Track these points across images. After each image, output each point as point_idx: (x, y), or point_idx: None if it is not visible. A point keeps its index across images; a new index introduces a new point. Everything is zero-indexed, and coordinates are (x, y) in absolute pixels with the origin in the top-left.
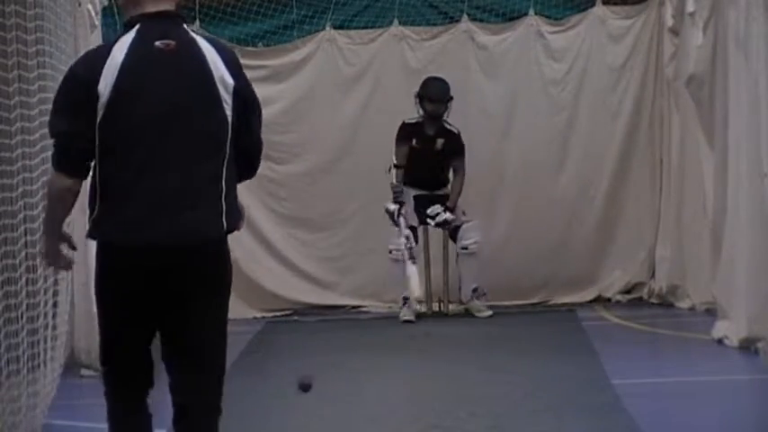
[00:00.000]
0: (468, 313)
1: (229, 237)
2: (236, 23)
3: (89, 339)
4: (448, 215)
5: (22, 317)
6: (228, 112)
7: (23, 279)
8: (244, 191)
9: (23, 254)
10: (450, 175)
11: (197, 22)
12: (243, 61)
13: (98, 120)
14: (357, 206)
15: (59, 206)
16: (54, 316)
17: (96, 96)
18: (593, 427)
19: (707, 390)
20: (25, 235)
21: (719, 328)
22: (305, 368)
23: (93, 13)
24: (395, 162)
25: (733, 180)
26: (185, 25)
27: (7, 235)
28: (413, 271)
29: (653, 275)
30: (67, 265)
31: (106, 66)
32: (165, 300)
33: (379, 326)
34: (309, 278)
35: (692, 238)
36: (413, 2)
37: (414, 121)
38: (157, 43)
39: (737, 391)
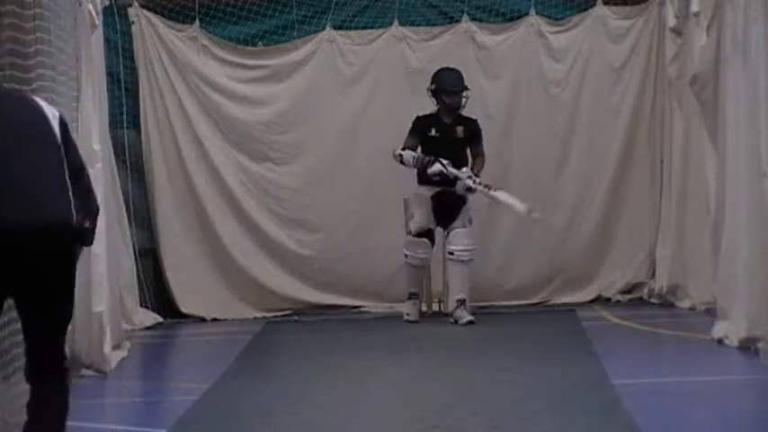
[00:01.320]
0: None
1: (229, 237)
2: (236, 23)
3: (89, 339)
4: (472, 182)
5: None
6: (58, 139)
7: None
8: (243, 190)
9: None
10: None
11: (197, 22)
12: (244, 61)
13: None
14: (357, 206)
15: None
16: None
17: None
18: (593, 427)
19: (707, 390)
20: None
21: (719, 328)
22: (305, 368)
23: (94, 13)
24: (401, 148)
25: (733, 180)
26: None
27: None
28: (504, 195)
29: (653, 275)
30: None
31: None
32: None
33: (379, 326)
34: (309, 278)
35: (692, 238)
36: (413, 2)
37: (426, 113)
38: None
39: (737, 391)
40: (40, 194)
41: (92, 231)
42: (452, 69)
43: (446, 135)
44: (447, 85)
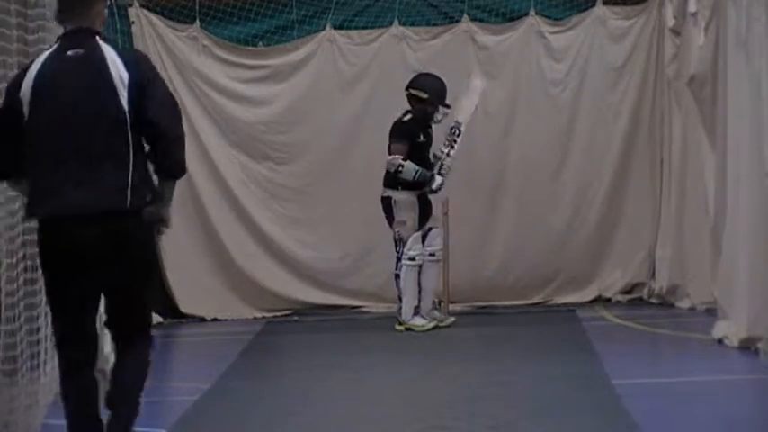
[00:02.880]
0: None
1: (229, 236)
2: (236, 23)
3: None
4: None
5: (19, 316)
6: (124, 103)
7: (20, 279)
8: (244, 190)
9: (21, 253)
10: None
11: (197, 22)
12: (244, 61)
13: (25, 118)
14: (357, 206)
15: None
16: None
17: (19, 100)
18: (593, 427)
19: (707, 390)
20: (23, 234)
21: (719, 328)
22: (305, 368)
23: None
24: (402, 159)
25: (733, 180)
26: (97, 36)
27: (6, 235)
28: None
29: (653, 275)
30: None
31: (27, 74)
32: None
33: (379, 326)
34: (309, 278)
35: (692, 238)
36: (413, 2)
37: (408, 118)
38: (69, 52)
39: (737, 391)
40: (82, 182)
41: (158, 202)
42: (440, 79)
43: (427, 139)
44: (437, 98)
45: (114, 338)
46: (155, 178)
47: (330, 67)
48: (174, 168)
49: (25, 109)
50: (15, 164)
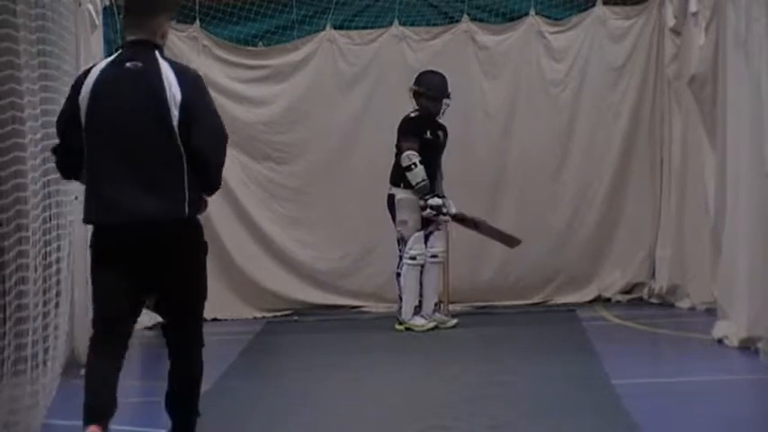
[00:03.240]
0: (436, 328)
1: (229, 237)
2: (236, 23)
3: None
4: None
5: (10, 318)
6: (174, 123)
7: (14, 279)
8: (244, 189)
9: (13, 253)
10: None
11: (197, 23)
12: (244, 61)
13: (83, 124)
14: (357, 206)
15: None
16: (54, 316)
17: (78, 105)
18: (593, 427)
19: (707, 390)
20: (18, 231)
21: (719, 328)
22: (305, 368)
23: (94, 13)
24: (419, 158)
25: (733, 180)
26: (157, 51)
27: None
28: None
29: (653, 275)
30: None
31: (86, 80)
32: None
33: (379, 326)
34: (309, 278)
35: (692, 238)
36: (413, 2)
37: (416, 114)
38: (128, 64)
39: (737, 391)
40: (140, 191)
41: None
42: (439, 74)
43: (436, 139)
44: (433, 91)
45: (169, 343)
46: None
47: (330, 67)
48: (208, 189)
49: (82, 113)
50: (82, 165)
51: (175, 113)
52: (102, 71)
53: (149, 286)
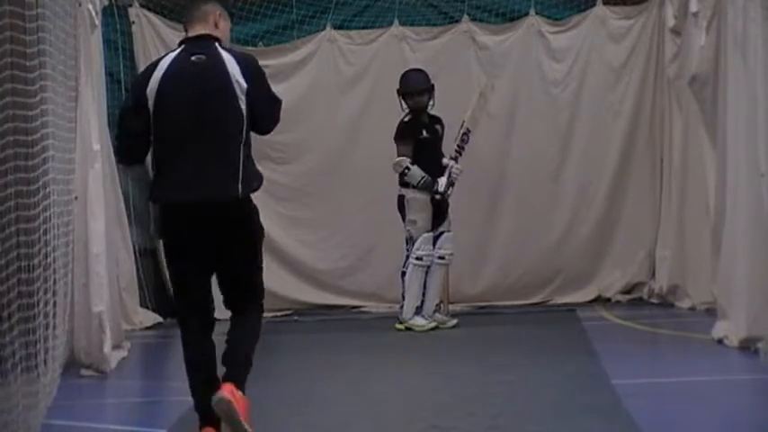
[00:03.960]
0: (436, 328)
1: None
2: (236, 23)
3: (89, 339)
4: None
5: (12, 316)
6: (243, 108)
7: (15, 278)
8: None
9: (16, 253)
10: None
11: None
12: None
13: (151, 115)
14: (357, 206)
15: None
16: (54, 316)
17: (146, 97)
18: (593, 427)
19: (707, 390)
20: (17, 235)
21: (719, 328)
22: (305, 368)
23: (94, 13)
24: (410, 161)
25: (732, 180)
26: (217, 43)
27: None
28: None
29: (653, 275)
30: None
31: (153, 75)
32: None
33: (379, 326)
34: (309, 278)
35: (692, 238)
36: (413, 2)
37: (408, 118)
38: (192, 57)
39: (737, 391)
40: (202, 174)
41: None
42: (417, 70)
43: (433, 135)
44: (411, 87)
45: (230, 308)
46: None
47: (330, 67)
48: (264, 130)
49: (150, 105)
50: (146, 152)
51: (243, 98)
52: (169, 66)
53: (213, 258)
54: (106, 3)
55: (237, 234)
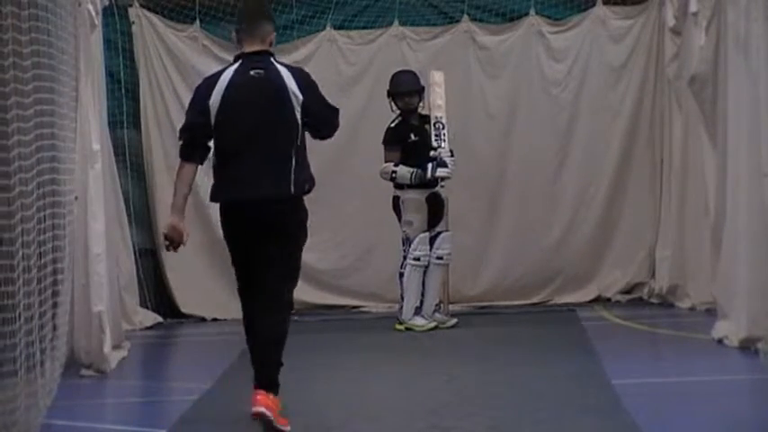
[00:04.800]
0: (436, 328)
1: None
2: (236, 23)
3: (89, 339)
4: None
5: (19, 317)
6: (298, 118)
7: (21, 279)
8: None
9: (21, 254)
10: None
11: (197, 22)
12: None
13: (212, 123)
14: (357, 206)
15: (184, 186)
16: (54, 316)
17: (209, 106)
18: (593, 427)
19: (707, 390)
20: (22, 235)
21: (719, 328)
22: (305, 368)
23: (94, 13)
24: (394, 164)
25: (733, 180)
26: (272, 58)
27: (3, 236)
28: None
29: (653, 275)
30: (181, 238)
31: (216, 87)
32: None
33: (379, 326)
34: (309, 278)
35: (692, 238)
36: (413, 2)
37: (397, 122)
38: (252, 72)
39: (737, 391)
40: (259, 175)
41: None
42: (407, 71)
43: (422, 137)
44: (402, 87)
45: (265, 295)
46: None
47: (330, 67)
48: (324, 136)
49: (212, 113)
50: (203, 155)
51: (298, 109)
52: (231, 79)
53: (263, 247)
54: (106, 3)
55: (282, 231)
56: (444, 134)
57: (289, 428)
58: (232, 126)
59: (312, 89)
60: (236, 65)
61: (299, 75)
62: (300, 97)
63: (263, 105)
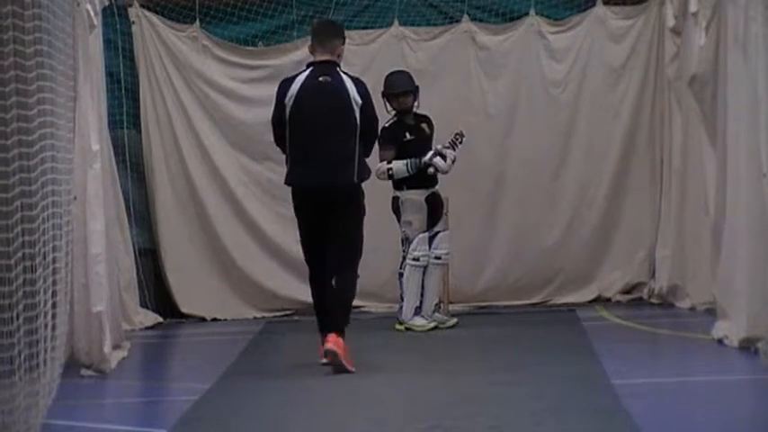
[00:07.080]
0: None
1: (229, 237)
2: (236, 23)
3: (89, 339)
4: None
5: (18, 317)
6: (357, 118)
7: (20, 279)
8: (244, 190)
9: (20, 254)
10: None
11: (197, 22)
12: (244, 61)
13: (287, 119)
14: None
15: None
16: (54, 316)
17: (284, 105)
18: (593, 427)
19: (707, 390)
20: (22, 235)
21: (719, 328)
22: (305, 368)
23: (93, 14)
24: (387, 163)
25: (733, 180)
26: (338, 68)
27: (3, 236)
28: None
29: (653, 275)
30: None
31: (290, 88)
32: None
33: (379, 326)
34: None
35: (692, 238)
36: (413, 2)
37: (390, 123)
38: (320, 78)
39: (737, 391)
40: (328, 165)
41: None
42: (400, 72)
43: (418, 135)
44: (395, 87)
45: (332, 270)
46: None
47: None
48: (368, 151)
49: (287, 112)
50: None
51: (358, 112)
52: (303, 83)
53: (327, 227)
54: (106, 3)
55: (346, 210)
56: (458, 147)
57: (354, 370)
58: (302, 124)
59: (368, 98)
60: (307, 71)
61: (359, 84)
62: (360, 102)
63: (329, 107)
